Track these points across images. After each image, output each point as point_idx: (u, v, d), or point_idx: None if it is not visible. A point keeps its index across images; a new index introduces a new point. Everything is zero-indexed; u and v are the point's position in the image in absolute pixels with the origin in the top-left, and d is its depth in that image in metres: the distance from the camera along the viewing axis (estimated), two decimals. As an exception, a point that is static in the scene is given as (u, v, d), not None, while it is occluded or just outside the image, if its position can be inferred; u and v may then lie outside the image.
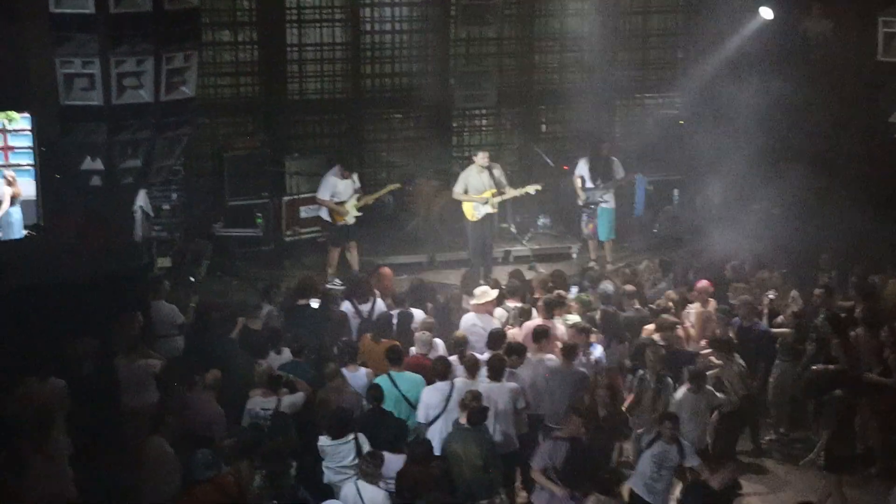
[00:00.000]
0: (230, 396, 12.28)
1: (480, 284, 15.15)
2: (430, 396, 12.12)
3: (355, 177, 17.97)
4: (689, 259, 17.23)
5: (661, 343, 13.30)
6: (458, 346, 13.07)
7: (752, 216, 18.01)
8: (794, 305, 15.24)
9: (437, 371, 12.31)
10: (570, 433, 11.48)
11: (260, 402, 12.01)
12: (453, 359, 12.74)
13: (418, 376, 12.40)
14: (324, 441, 11.24)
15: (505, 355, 12.52)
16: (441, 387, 12.13)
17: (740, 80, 19.23)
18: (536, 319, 13.90)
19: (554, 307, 14.09)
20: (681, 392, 12.52)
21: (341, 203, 17.69)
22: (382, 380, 12.31)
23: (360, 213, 17.86)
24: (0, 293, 12.76)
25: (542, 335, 13.03)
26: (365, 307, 14.57)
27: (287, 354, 12.98)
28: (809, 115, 19.60)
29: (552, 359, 12.86)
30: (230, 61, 20.31)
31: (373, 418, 11.70)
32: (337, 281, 17.61)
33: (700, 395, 12.49)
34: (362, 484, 10.54)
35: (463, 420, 11.48)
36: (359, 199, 17.81)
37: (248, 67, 20.44)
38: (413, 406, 12.17)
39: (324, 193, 17.81)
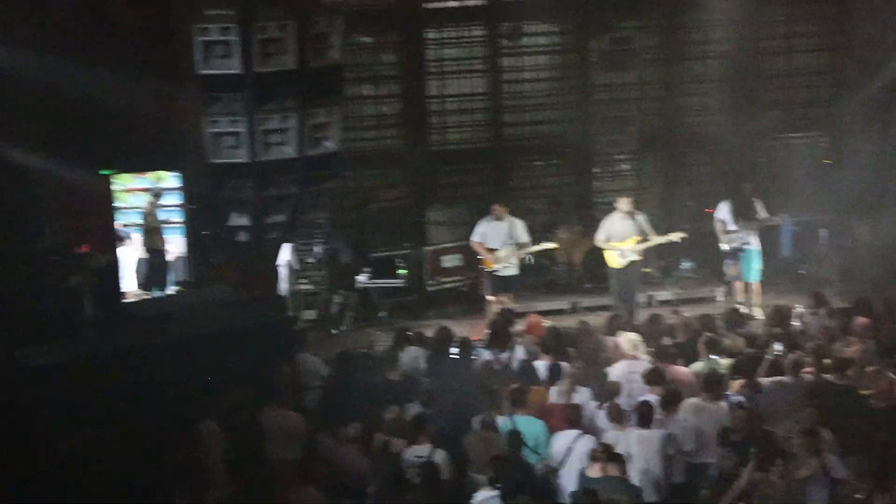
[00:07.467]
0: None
1: (625, 331, 15.00)
2: (556, 443, 12.03)
3: (519, 226, 17.81)
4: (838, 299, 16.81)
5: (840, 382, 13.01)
6: (614, 393, 12.96)
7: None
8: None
9: (567, 418, 12.23)
10: None
11: (415, 450, 12.04)
12: (595, 405, 12.69)
13: (539, 421, 12.28)
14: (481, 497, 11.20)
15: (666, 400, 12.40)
16: (566, 434, 12.04)
17: (887, 119, 18.82)
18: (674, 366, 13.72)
19: (704, 350, 13.92)
20: None
21: (491, 249, 17.76)
22: (504, 422, 12.27)
23: (509, 265, 17.62)
24: (152, 347, 13.12)
25: (716, 382, 12.86)
26: (504, 355, 14.54)
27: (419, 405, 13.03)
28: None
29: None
30: (372, 114, 20.62)
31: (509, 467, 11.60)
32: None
33: None
34: None
35: (593, 472, 11.35)
36: (512, 250, 17.67)
37: (391, 120, 20.72)
38: (530, 449, 12.10)
39: (473, 235, 17.92)
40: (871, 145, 19.04)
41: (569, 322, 17.13)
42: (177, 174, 16.99)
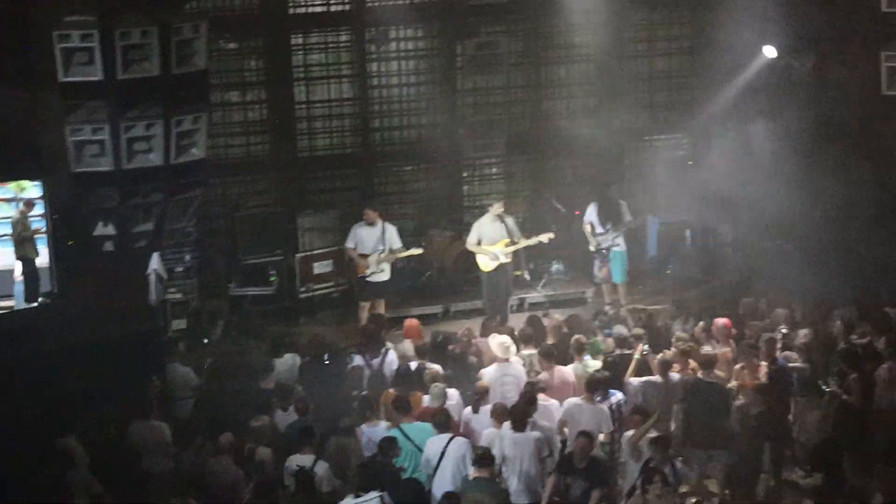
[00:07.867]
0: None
1: (498, 334, 15.11)
2: (430, 448, 12.10)
3: (391, 232, 17.78)
4: (702, 299, 17.18)
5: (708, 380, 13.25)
6: (481, 396, 13.03)
7: (765, 254, 18.00)
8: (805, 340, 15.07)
9: (437, 422, 12.29)
10: None
11: (297, 459, 11.96)
12: (468, 409, 12.76)
13: (428, 425, 12.35)
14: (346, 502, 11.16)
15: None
16: (439, 438, 12.12)
17: (747, 119, 19.27)
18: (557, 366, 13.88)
19: (574, 352, 14.12)
20: None
21: (364, 255, 17.68)
22: (394, 432, 12.29)
23: (380, 270, 17.64)
24: (17, 360, 12.84)
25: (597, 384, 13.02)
26: (376, 360, 14.52)
27: (293, 412, 12.97)
28: (816, 152, 19.53)
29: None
30: (240, 121, 20.44)
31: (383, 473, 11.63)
32: None
33: None
34: None
35: (475, 474, 11.44)
36: (382, 255, 17.62)
37: (258, 126, 20.56)
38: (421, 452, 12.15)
39: (347, 241, 17.84)
40: (730, 146, 19.46)
41: (442, 327, 17.24)
42: (38, 183, 16.60)
